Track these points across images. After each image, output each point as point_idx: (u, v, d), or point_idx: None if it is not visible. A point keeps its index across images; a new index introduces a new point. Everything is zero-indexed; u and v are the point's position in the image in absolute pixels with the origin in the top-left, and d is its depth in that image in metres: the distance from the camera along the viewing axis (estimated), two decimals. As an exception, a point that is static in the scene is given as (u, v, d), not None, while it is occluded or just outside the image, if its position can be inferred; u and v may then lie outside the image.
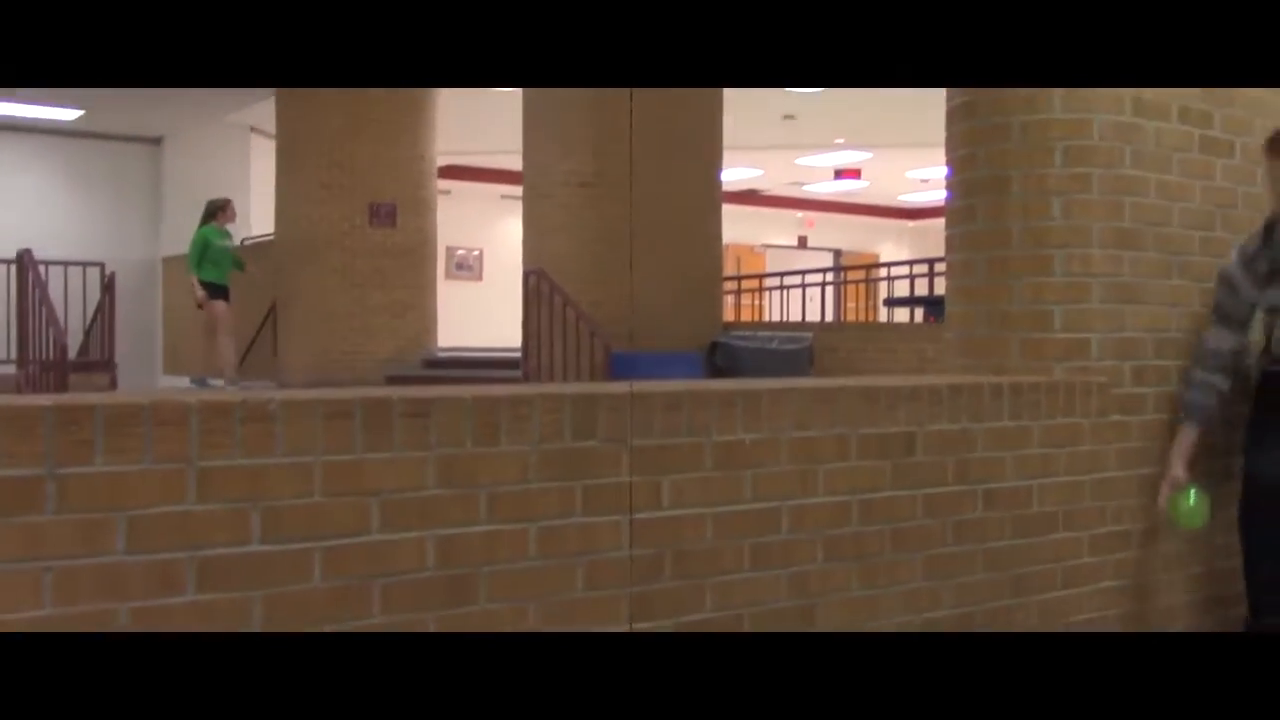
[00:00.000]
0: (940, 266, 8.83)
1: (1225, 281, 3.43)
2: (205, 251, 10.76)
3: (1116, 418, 3.48)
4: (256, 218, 14.45)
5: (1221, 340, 3.41)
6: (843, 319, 15.54)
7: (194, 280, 10.75)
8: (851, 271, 18.11)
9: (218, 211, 10.98)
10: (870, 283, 15.63)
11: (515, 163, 10.50)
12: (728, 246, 11.76)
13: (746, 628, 2.76)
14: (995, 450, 3.23)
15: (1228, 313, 3.42)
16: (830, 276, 16.13)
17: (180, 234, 15.55)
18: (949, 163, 3.75)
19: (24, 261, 9.60)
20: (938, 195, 18.99)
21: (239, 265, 11.07)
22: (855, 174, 19.54)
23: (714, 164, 10.14)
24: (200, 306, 10.85)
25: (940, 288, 8.81)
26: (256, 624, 2.16)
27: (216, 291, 10.79)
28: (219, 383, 10.70)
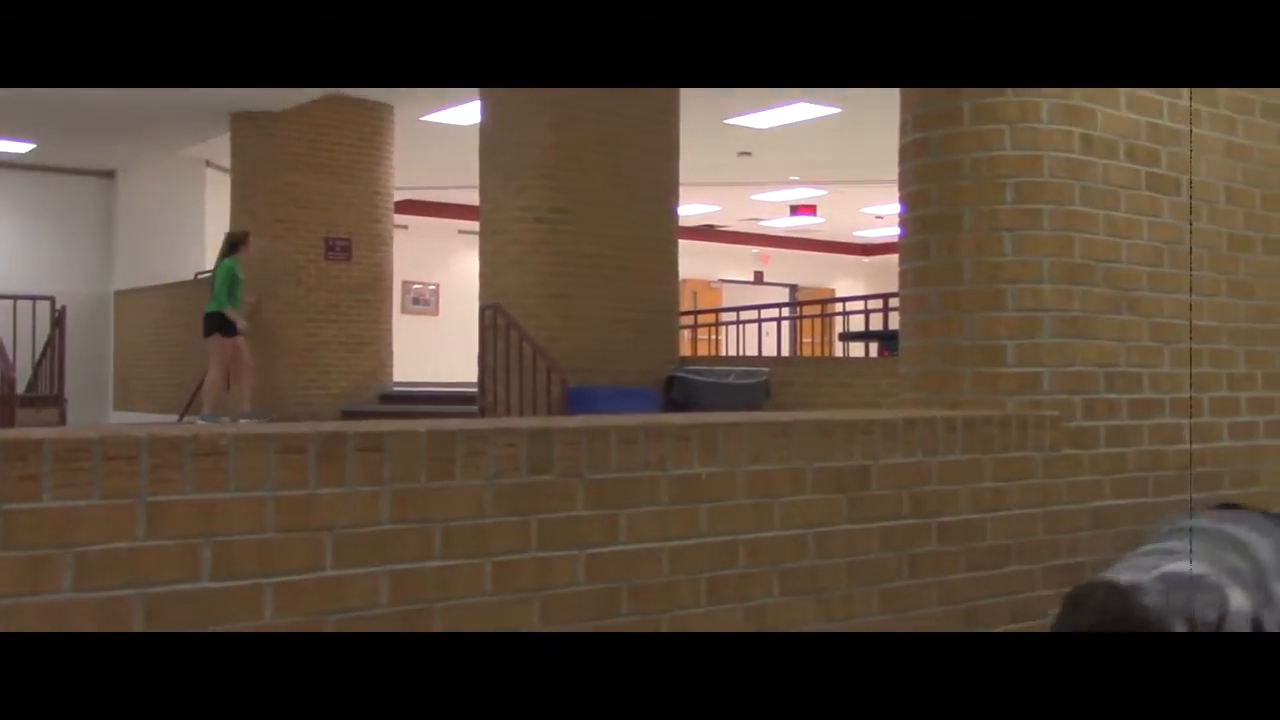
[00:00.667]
0: (895, 301, 8.91)
1: None
2: (234, 286, 10.32)
3: (1068, 451, 3.51)
4: (210, 252, 14.34)
5: None
6: (799, 353, 15.62)
7: (233, 312, 10.22)
8: (807, 306, 18.23)
9: (239, 244, 10.52)
10: (826, 317, 15.74)
11: (472, 197, 10.50)
12: (684, 281, 11.79)
13: (703, 662, 2.75)
14: (949, 483, 3.25)
15: None
16: (786, 311, 16.22)
17: (134, 268, 15.46)
18: (902, 199, 3.79)
19: (-28, 295, 9.47)
20: (893, 231, 19.18)
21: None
22: (811, 210, 19.68)
23: (670, 200, 10.18)
24: (239, 334, 10.30)
25: (895, 323, 8.89)
26: (206, 662, 2.12)
27: (233, 328, 10.31)
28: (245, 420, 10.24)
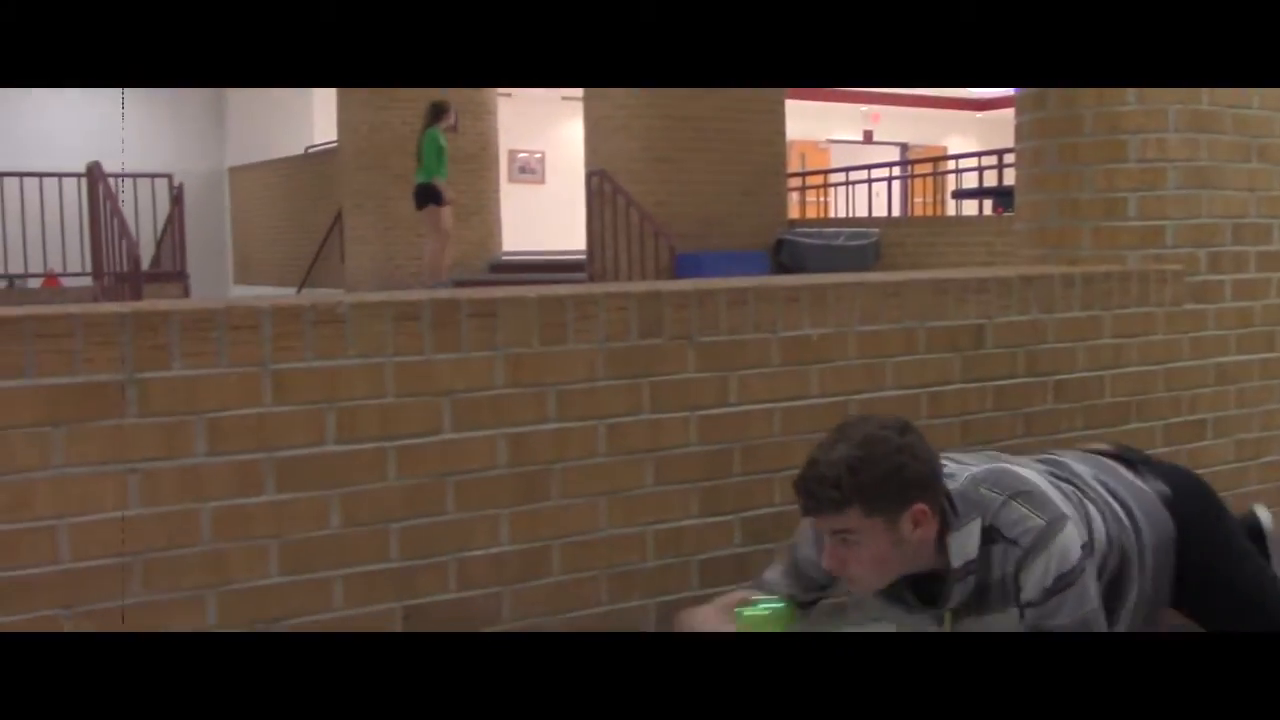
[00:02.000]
0: (1010, 158, 8.65)
1: None
2: (439, 155, 9.74)
3: (1191, 306, 3.41)
4: (319, 126, 14.48)
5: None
6: (910, 214, 15.33)
7: (441, 182, 9.73)
8: (918, 165, 17.82)
9: (442, 113, 9.86)
10: (938, 176, 15.39)
11: (575, 63, 10.39)
12: (791, 143, 11.59)
13: (815, 520, 2.77)
14: (1066, 341, 3.19)
15: None
16: (897, 171, 15.88)
17: (244, 144, 15.72)
18: (1019, 48, 3.65)
19: (94, 175, 9.72)
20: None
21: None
22: (921, 65, 19.12)
23: (776, 58, 9.96)
24: (446, 203, 9.84)
25: (1010, 179, 8.65)
26: (334, 523, 2.21)
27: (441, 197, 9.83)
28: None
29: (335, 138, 12.48)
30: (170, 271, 10.44)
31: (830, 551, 2.04)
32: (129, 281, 9.02)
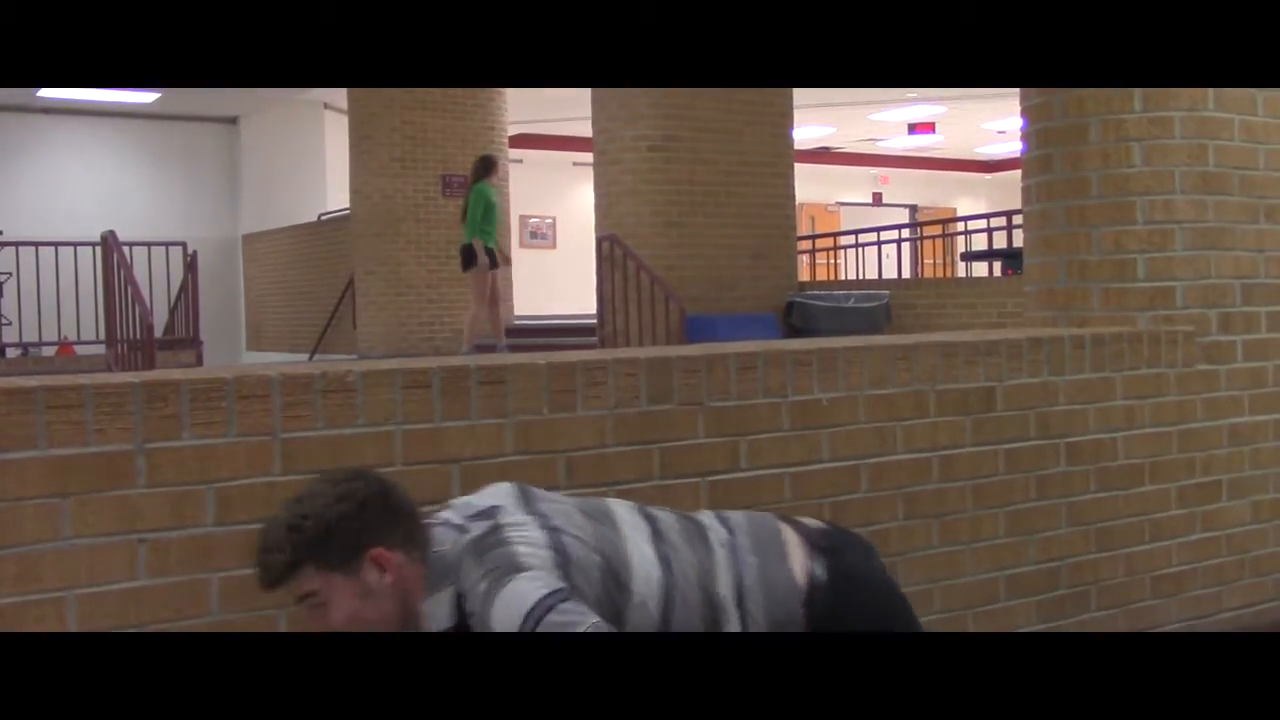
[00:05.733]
0: (1019, 219, 8.68)
1: None
2: (488, 213, 9.38)
3: (1203, 367, 3.40)
4: (332, 193, 14.62)
5: None
6: (920, 275, 15.36)
7: (480, 245, 9.35)
8: (928, 227, 17.88)
9: (492, 168, 9.49)
10: (947, 238, 15.43)
11: (585, 129, 10.48)
12: (801, 206, 11.66)
13: (828, 586, 2.75)
14: (1078, 403, 3.18)
15: None
16: (906, 233, 15.94)
17: (257, 211, 15.85)
18: (1024, 112, 3.68)
19: (109, 243, 9.79)
20: (1015, 146, 18.62)
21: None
22: (929, 128, 19.23)
23: (785, 123, 10.04)
24: (495, 266, 9.53)
25: (1019, 240, 8.66)
26: (344, 591, 2.19)
27: (493, 258, 9.48)
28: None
29: (348, 204, 12.59)
30: (184, 338, 10.47)
31: (310, 619, 1.85)
32: (143, 349, 9.06)
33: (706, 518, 2.07)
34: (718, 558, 1.97)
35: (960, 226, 14.20)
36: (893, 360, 2.89)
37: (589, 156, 10.34)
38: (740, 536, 2.01)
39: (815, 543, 2.02)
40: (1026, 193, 3.69)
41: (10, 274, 12.26)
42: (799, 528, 2.07)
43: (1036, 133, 3.62)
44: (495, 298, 9.81)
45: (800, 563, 1.98)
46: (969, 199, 22.71)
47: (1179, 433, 3.37)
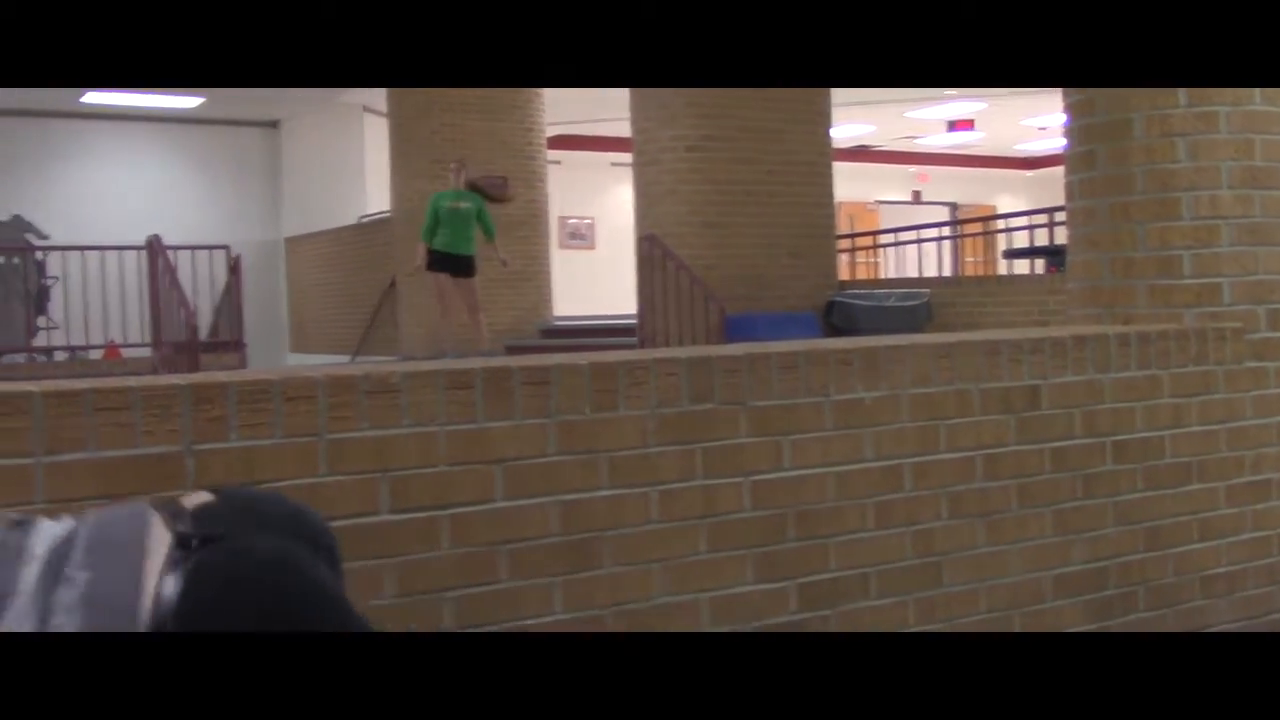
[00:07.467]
0: (1060, 216, 8.59)
1: None
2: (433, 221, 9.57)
3: (1252, 364, 3.36)
4: (371, 195, 14.71)
5: None
6: (960, 273, 15.26)
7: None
8: (968, 225, 17.77)
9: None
10: (988, 235, 15.33)
11: (623, 129, 10.49)
12: (840, 205, 11.62)
13: (873, 587, 2.74)
14: (1124, 401, 3.15)
15: None
16: (946, 231, 15.83)
17: (300, 215, 15.98)
18: (1067, 108, 3.65)
19: (154, 247, 9.90)
20: (1057, 143, 18.45)
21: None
22: (969, 125, 19.11)
23: (823, 122, 10.01)
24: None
25: (1061, 237, 8.58)
26: (389, 592, 2.21)
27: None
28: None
29: (386, 206, 12.67)
30: (228, 341, 10.57)
31: None
32: (187, 351, 9.15)
33: (44, 523, 1.51)
34: (21, 576, 1.43)
35: (1001, 224, 14.08)
36: (935, 359, 2.87)
37: (627, 157, 10.35)
38: (78, 542, 1.46)
39: (184, 541, 1.46)
40: (1070, 189, 3.66)
41: (58, 278, 12.42)
42: (176, 518, 1.51)
43: (1079, 128, 3.59)
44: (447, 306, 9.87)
45: (153, 577, 1.43)
46: (1009, 196, 22.55)
47: (1227, 431, 3.33)
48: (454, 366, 2.35)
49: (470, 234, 9.66)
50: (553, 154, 13.12)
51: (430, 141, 11.68)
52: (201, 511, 1.53)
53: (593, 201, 18.51)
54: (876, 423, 2.76)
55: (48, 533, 1.47)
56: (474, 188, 9.76)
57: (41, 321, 13.22)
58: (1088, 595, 3.09)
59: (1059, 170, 3.79)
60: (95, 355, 11.74)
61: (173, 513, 1.52)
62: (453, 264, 9.60)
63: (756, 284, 9.45)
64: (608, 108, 12.84)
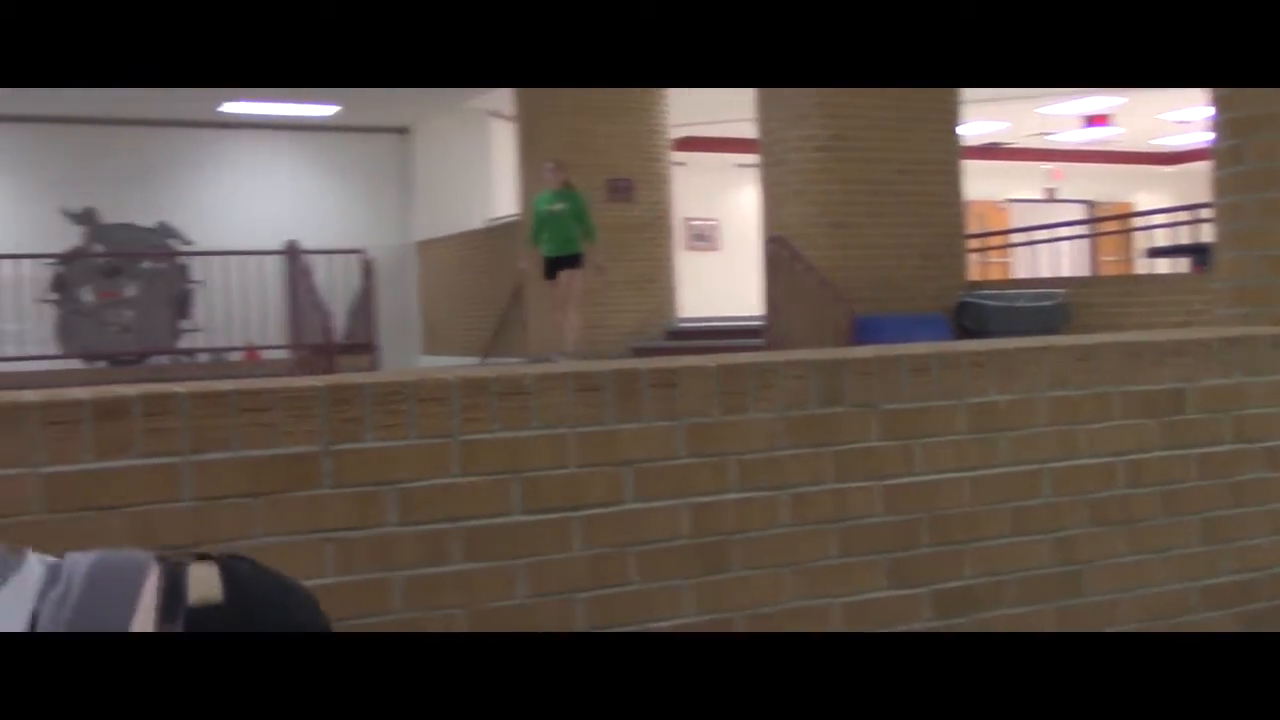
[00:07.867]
0: (1203, 212, 8.30)
1: None
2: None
3: None
4: (499, 199, 14.91)
5: None
6: (1098, 273, 14.86)
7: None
8: (1105, 222, 17.28)
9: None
10: (1126, 233, 14.90)
11: (748, 130, 10.46)
12: (970, 204, 11.40)
13: (1011, 595, 2.68)
14: (1275, 406, 3.02)
15: None
16: (1082, 229, 15.42)
17: (431, 218, 16.27)
18: (1213, 102, 3.52)
19: (291, 251, 10.18)
20: (1197, 138, 17.84)
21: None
22: (1105, 120, 18.59)
23: (952, 119, 9.84)
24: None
25: (1204, 235, 8.29)
26: (521, 592, 2.23)
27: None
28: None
29: (513, 210, 12.82)
30: (362, 343, 10.82)
31: None
32: (323, 353, 9.39)
33: (34, 559, 1.34)
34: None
35: (1140, 221, 13.68)
36: (1073, 361, 2.79)
37: (752, 158, 10.32)
38: (72, 587, 1.30)
39: (169, 607, 1.29)
40: (1217, 185, 3.53)
41: (201, 282, 12.85)
42: (171, 577, 1.32)
43: (1226, 123, 3.46)
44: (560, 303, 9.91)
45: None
46: (1147, 193, 21.86)
47: (1388, 437, 3.18)
48: (583, 369, 2.36)
49: (572, 234, 9.80)
50: (678, 156, 13.13)
51: (556, 145, 11.79)
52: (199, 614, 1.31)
53: (717, 203, 18.48)
54: (1012, 427, 2.70)
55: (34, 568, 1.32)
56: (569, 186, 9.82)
57: (185, 324, 13.69)
58: (1236, 607, 2.97)
59: (1200, 165, 3.66)
60: (235, 357, 12.12)
61: (168, 570, 1.33)
62: (558, 267, 9.73)
63: (885, 285, 9.34)
64: (732, 108, 12.80)
